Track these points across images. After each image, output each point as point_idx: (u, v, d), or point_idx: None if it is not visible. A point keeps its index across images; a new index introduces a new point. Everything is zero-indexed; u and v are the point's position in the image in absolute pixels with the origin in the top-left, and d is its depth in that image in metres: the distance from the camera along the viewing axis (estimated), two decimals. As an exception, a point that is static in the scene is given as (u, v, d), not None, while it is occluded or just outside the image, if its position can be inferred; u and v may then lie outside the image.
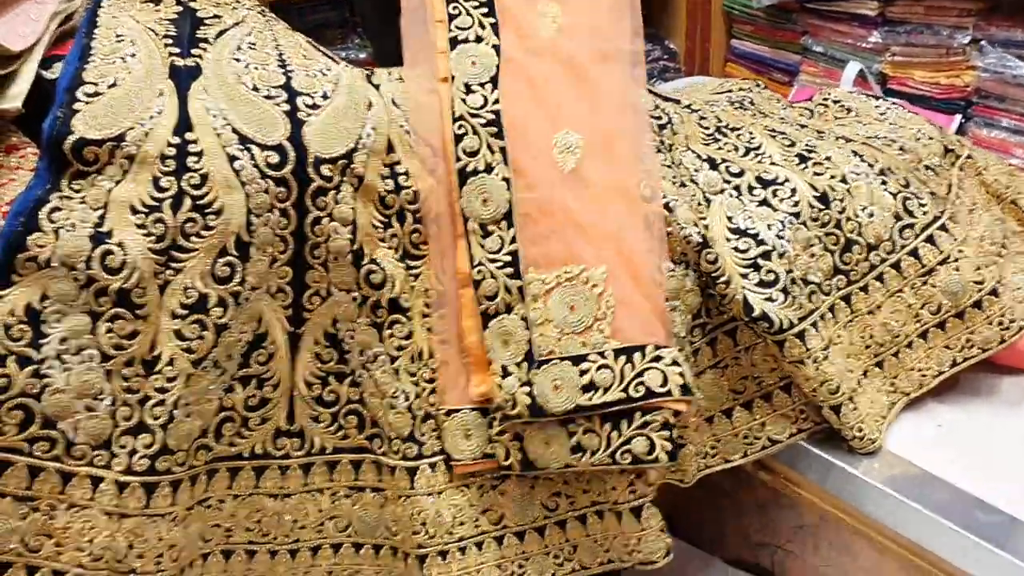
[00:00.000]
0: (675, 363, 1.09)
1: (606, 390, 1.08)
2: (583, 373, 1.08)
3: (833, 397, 1.19)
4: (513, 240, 1.11)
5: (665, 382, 1.08)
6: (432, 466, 1.12)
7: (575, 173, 1.13)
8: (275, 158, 1.04)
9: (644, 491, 1.13)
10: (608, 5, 1.23)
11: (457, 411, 1.12)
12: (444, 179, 1.14)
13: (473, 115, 1.13)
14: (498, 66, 1.15)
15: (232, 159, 1.03)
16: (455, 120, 1.12)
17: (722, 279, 1.16)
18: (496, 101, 1.13)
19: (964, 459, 1.20)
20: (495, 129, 1.12)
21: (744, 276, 1.18)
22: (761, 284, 1.18)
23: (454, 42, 1.17)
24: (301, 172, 1.06)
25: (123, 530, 1.00)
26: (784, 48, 2.23)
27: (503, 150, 1.12)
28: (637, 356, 1.09)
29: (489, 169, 1.12)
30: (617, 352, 1.09)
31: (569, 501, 1.15)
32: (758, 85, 1.67)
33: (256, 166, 1.04)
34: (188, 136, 1.02)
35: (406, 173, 1.13)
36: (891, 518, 1.16)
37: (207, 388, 1.04)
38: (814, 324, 1.20)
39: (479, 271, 1.11)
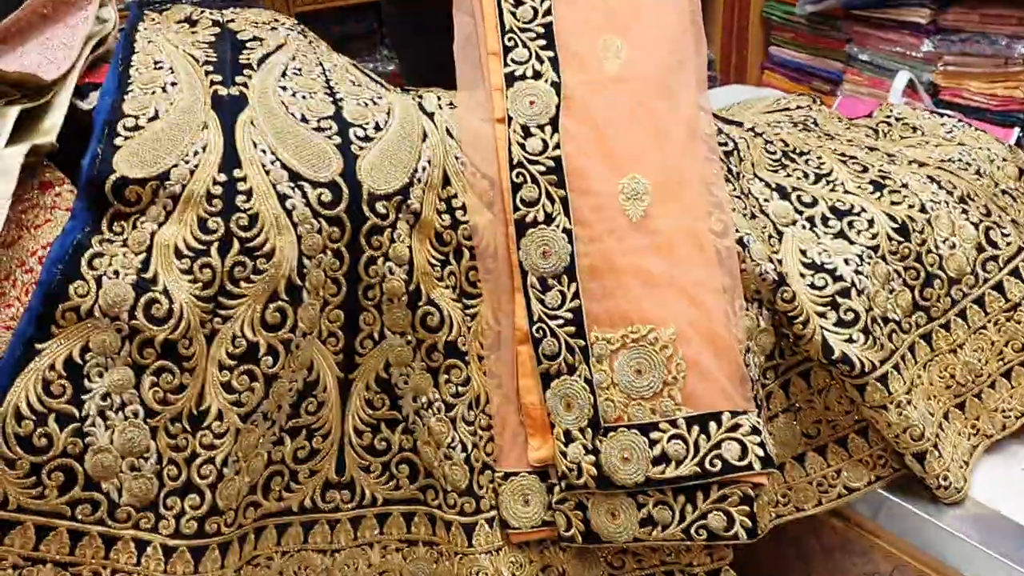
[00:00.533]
0: (755, 431, 1.01)
1: (679, 463, 1.00)
2: (653, 444, 1.01)
3: (917, 444, 1.12)
4: (575, 296, 1.04)
5: (744, 454, 1.00)
6: (490, 522, 1.05)
7: (643, 222, 1.05)
8: (328, 196, 0.97)
9: (723, 554, 1.06)
10: (671, 35, 1.15)
11: (515, 474, 1.05)
12: (501, 214, 1.07)
13: (532, 162, 1.05)
14: (558, 106, 1.08)
15: (283, 198, 0.96)
16: (512, 168, 1.05)
17: (799, 319, 1.09)
18: (557, 146, 1.06)
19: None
20: (555, 177, 1.05)
21: (822, 315, 1.11)
22: (840, 324, 1.10)
23: (510, 78, 1.09)
24: (356, 210, 0.99)
25: (169, 596, 0.94)
26: (826, 56, 2.16)
27: (564, 200, 1.05)
28: (712, 425, 1.01)
29: (549, 220, 1.05)
30: (690, 421, 1.01)
31: (636, 560, 1.08)
32: (815, 101, 1.60)
33: (308, 205, 0.97)
34: (236, 173, 0.95)
35: (463, 207, 1.06)
36: (973, 570, 1.09)
37: (256, 442, 0.98)
38: (896, 366, 1.13)
39: (538, 329, 1.04)
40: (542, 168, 1.06)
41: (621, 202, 1.05)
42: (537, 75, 1.09)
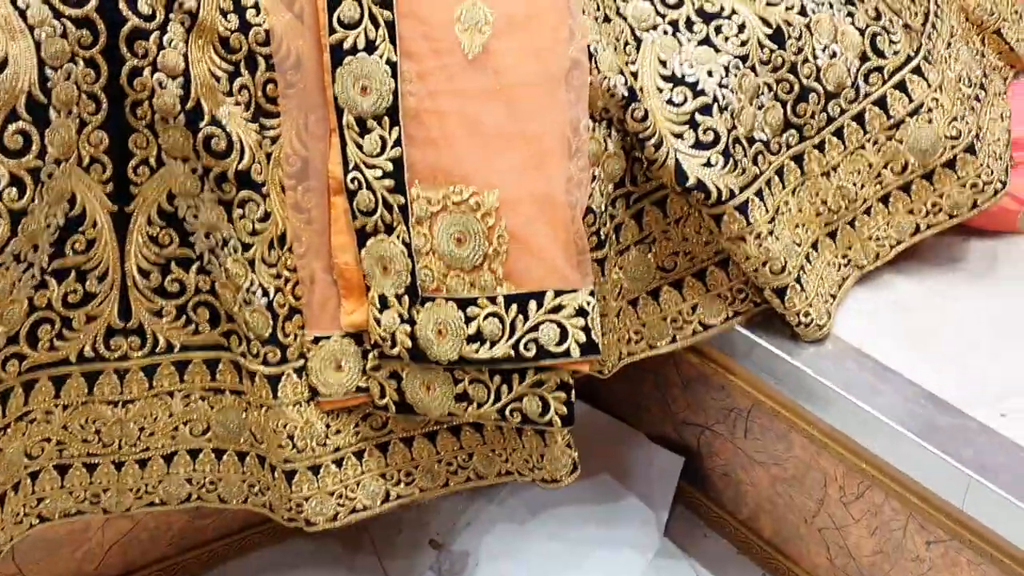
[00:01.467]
0: (580, 312, 0.90)
1: (494, 343, 0.90)
2: (469, 320, 0.90)
3: (777, 278, 1.02)
4: (397, 143, 0.89)
5: (563, 338, 0.89)
6: (298, 371, 0.94)
7: (481, 57, 0.89)
8: (73, -10, 0.80)
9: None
10: None
11: (326, 338, 0.94)
12: (308, 16, 0.90)
13: None
14: None
15: (13, -7, 0.78)
16: None
17: (651, 141, 0.96)
18: None
19: (920, 344, 1.06)
20: None
21: (678, 136, 0.98)
22: (698, 145, 0.98)
23: None
24: (111, 9, 0.82)
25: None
26: None
27: (390, 25, 0.88)
28: (532, 305, 0.90)
29: (371, 48, 0.88)
30: (509, 299, 0.90)
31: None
32: None
33: (47, 2, 0.79)
34: (-46, -41, 0.77)
35: (256, 6, 0.89)
36: (832, 415, 1.02)
37: (10, 288, 0.84)
38: (759, 192, 1.01)
39: (354, 179, 0.90)
40: None
41: (457, 32, 0.89)
42: None
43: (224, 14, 0.87)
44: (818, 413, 1.04)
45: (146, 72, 0.84)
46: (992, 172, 1.09)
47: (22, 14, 0.78)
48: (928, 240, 1.14)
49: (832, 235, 1.11)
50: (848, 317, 1.09)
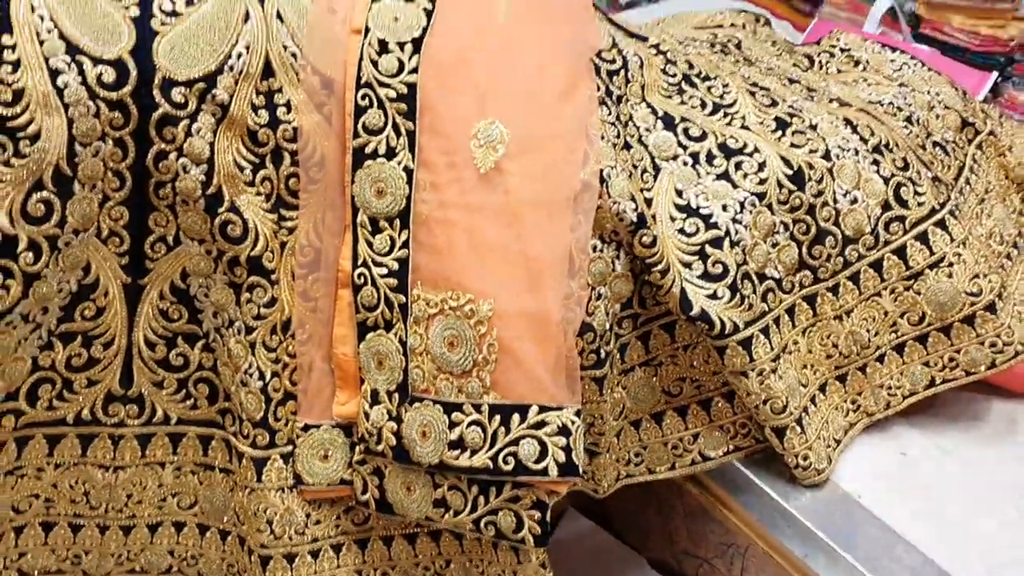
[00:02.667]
0: (562, 431, 0.89)
1: (474, 452, 0.89)
2: (454, 425, 0.90)
3: (777, 418, 1.01)
4: (405, 245, 0.92)
5: (543, 455, 0.88)
6: (285, 457, 0.95)
7: (492, 176, 0.91)
8: (111, 75, 0.85)
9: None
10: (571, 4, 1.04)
11: (316, 427, 0.95)
12: (336, 119, 0.94)
13: (382, 84, 0.92)
14: (426, 28, 0.94)
15: (55, 73, 0.83)
16: (359, 87, 0.92)
17: (658, 267, 0.96)
18: (414, 70, 0.92)
19: (925, 504, 1.02)
20: (405, 106, 0.92)
21: (687, 265, 0.98)
22: (705, 276, 0.98)
23: None
24: (144, 95, 0.86)
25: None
26: (809, -27, 1.96)
27: (411, 135, 0.92)
28: (515, 418, 0.89)
29: (391, 155, 0.92)
30: (493, 409, 0.90)
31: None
32: (757, 20, 1.43)
33: (85, 83, 0.84)
34: (5, 40, 0.82)
35: (287, 105, 0.93)
36: (822, 564, 0.99)
37: (15, 345, 0.88)
38: (764, 329, 1.01)
39: (360, 274, 0.92)
40: (392, 93, 0.92)
41: (472, 148, 0.92)
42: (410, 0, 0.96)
43: (255, 109, 0.92)
44: (810, 562, 1.01)
45: (172, 156, 0.88)
46: (1013, 333, 1.07)
47: (60, 92, 0.83)
48: (945, 394, 1.11)
49: (842, 379, 1.09)
50: (850, 465, 1.07)
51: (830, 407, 1.08)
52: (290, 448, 0.95)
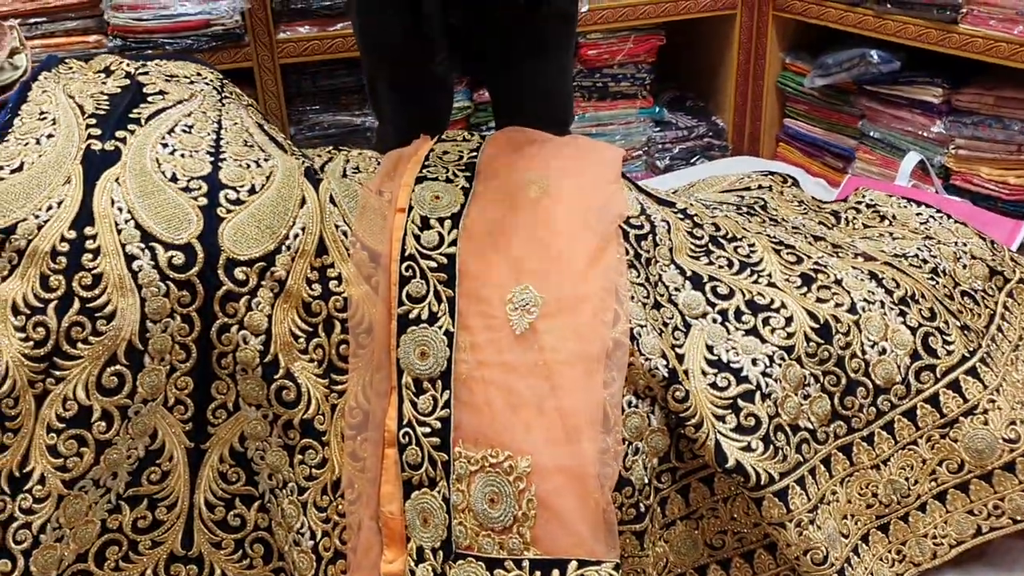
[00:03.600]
0: None
1: None
2: None
3: (818, 569, 1.01)
4: (447, 404, 0.97)
5: None
6: (335, 616, 0.98)
7: (527, 336, 0.98)
8: (180, 259, 0.94)
9: None
10: (593, 180, 1.14)
11: None
12: (383, 288, 1.02)
13: (424, 256, 1.01)
14: (464, 205, 1.04)
15: (131, 258, 0.93)
16: (403, 259, 1.01)
17: (692, 421, 1.00)
18: (453, 243, 1.01)
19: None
20: (445, 276, 1.00)
21: (720, 419, 1.01)
22: (739, 430, 1.01)
23: (421, 179, 1.07)
24: (209, 275, 0.95)
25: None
26: (840, 132, 2.05)
27: (451, 301, 1.00)
28: (555, 574, 0.92)
29: (433, 319, 0.99)
30: (534, 564, 0.93)
31: None
32: (785, 180, 1.50)
33: (157, 267, 0.93)
34: (87, 231, 0.93)
35: (339, 278, 1.01)
36: None
37: (86, 509, 0.94)
38: (800, 480, 1.02)
39: (405, 434, 0.98)
40: (433, 264, 1.01)
41: (508, 311, 0.99)
42: (449, 180, 1.07)
43: (310, 283, 1.00)
44: None
45: (233, 329, 0.96)
46: (1057, 479, 1.07)
47: (134, 275, 0.93)
48: (998, 543, 1.10)
49: (884, 528, 1.09)
50: (900, 618, 1.05)
51: (874, 557, 1.07)
52: (340, 606, 0.99)
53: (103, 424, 0.92)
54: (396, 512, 0.99)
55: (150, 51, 1.65)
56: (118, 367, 0.92)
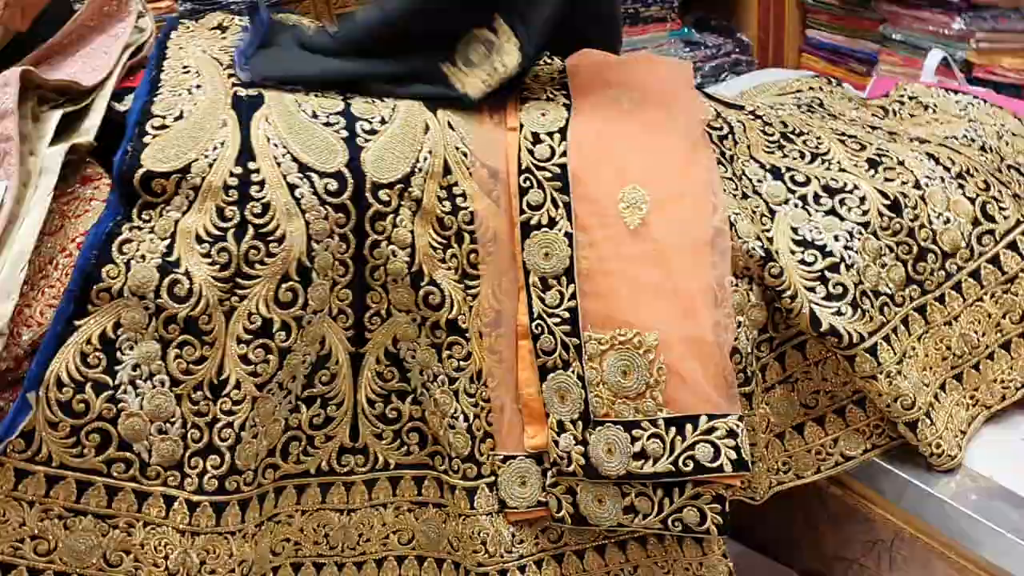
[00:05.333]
0: (731, 434, 1.06)
1: (656, 460, 1.06)
2: (635, 440, 1.07)
3: (908, 413, 1.15)
4: (573, 296, 1.10)
5: (716, 456, 1.05)
6: (490, 486, 1.12)
7: (640, 230, 1.10)
8: (334, 185, 1.06)
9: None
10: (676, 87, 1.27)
11: (513, 457, 1.12)
12: (503, 200, 1.14)
13: (539, 168, 1.12)
14: (567, 119, 1.15)
15: (292, 188, 1.05)
16: (520, 172, 1.12)
17: (787, 293, 1.13)
18: (563, 154, 1.13)
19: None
20: (560, 184, 1.12)
21: (811, 290, 1.15)
22: (829, 297, 1.15)
23: (524, 100, 1.19)
24: (360, 198, 1.07)
25: (196, 547, 1.04)
26: (862, 37, 2.16)
27: (567, 205, 1.11)
28: (688, 427, 1.06)
29: (552, 224, 1.11)
30: (668, 422, 1.07)
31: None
32: (830, 82, 1.63)
33: (316, 194, 1.06)
34: (250, 166, 1.05)
35: (464, 195, 1.14)
36: (969, 538, 1.12)
37: (273, 409, 1.07)
38: (886, 337, 1.16)
39: (538, 325, 1.10)
40: (548, 174, 1.13)
41: (620, 210, 1.12)
42: (550, 99, 1.20)
43: (440, 200, 1.12)
44: (957, 539, 1.14)
45: (383, 244, 1.09)
46: (1110, 317, 1.21)
47: (297, 202, 1.05)
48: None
49: (958, 377, 1.23)
50: (978, 451, 1.20)
51: (952, 403, 1.22)
52: (493, 478, 1.13)
53: (283, 334, 1.05)
54: (534, 394, 1.12)
55: (219, 11, 1.74)
56: (291, 283, 1.05)
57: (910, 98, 1.51)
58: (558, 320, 1.11)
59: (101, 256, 1.01)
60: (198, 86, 1.11)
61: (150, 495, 1.03)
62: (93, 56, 1.21)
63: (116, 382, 1.01)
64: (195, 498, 1.03)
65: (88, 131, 1.10)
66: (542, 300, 1.11)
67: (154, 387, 1.02)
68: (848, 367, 1.16)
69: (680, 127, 1.20)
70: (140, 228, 1.03)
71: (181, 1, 1.75)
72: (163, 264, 1.01)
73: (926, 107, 1.47)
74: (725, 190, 1.17)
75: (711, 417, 1.06)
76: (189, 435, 1.03)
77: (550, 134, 1.15)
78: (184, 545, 1.04)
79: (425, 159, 1.11)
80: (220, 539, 1.05)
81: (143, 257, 1.01)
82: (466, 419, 1.12)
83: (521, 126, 1.16)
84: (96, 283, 1.00)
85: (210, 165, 1.04)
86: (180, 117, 1.07)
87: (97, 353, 1.00)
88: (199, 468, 1.03)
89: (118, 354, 1.01)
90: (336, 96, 1.14)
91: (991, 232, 1.23)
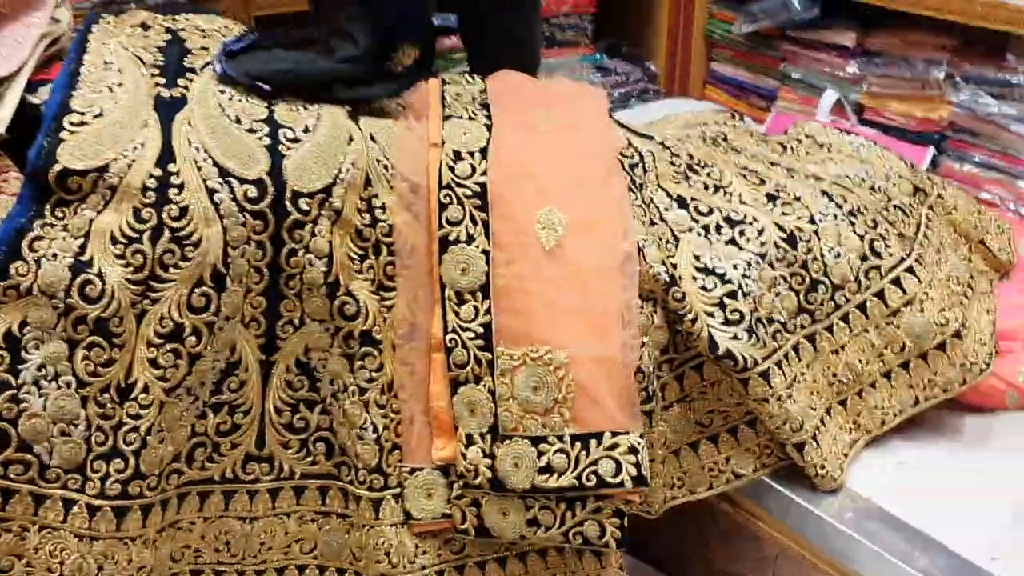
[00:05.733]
0: (632, 450, 1.10)
1: (560, 474, 1.10)
2: (541, 455, 1.10)
3: (796, 435, 1.22)
4: (487, 312, 1.13)
5: (618, 471, 1.09)
6: (396, 497, 1.14)
7: (556, 251, 1.14)
8: (254, 192, 1.07)
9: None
10: (592, 114, 1.31)
11: (420, 469, 1.14)
12: (423, 215, 1.16)
13: (459, 185, 1.15)
14: (488, 139, 1.18)
15: (212, 192, 1.05)
16: (441, 188, 1.14)
17: (689, 316, 1.19)
18: (484, 172, 1.16)
19: (923, 497, 1.23)
20: (479, 201, 1.14)
21: (710, 314, 1.20)
22: (726, 322, 1.20)
23: (447, 117, 1.21)
24: (279, 206, 1.08)
25: (93, 552, 1.03)
26: (763, 73, 2.27)
27: (486, 223, 1.14)
28: (592, 443, 1.10)
29: (470, 240, 1.14)
30: (574, 438, 1.10)
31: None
32: (733, 116, 1.70)
33: (235, 200, 1.06)
34: (170, 168, 1.04)
35: (383, 207, 1.15)
36: (848, 557, 1.19)
37: (180, 414, 1.07)
38: (778, 363, 1.23)
39: (451, 339, 1.12)
40: (468, 192, 1.15)
41: (537, 230, 1.15)
42: (471, 119, 1.22)
43: (360, 212, 1.14)
44: (838, 557, 1.21)
45: (300, 253, 1.10)
46: (977, 355, 1.30)
47: (216, 207, 1.05)
48: (930, 412, 1.34)
49: (843, 403, 1.31)
50: (860, 472, 1.27)
51: (836, 427, 1.29)
52: (399, 490, 1.14)
53: (193, 339, 1.05)
54: (444, 406, 1.14)
55: (133, 4, 1.71)
56: (205, 288, 1.04)
57: (807, 136, 1.59)
58: (472, 335, 1.13)
59: (10, 253, 0.99)
60: (119, 84, 1.10)
61: (48, 498, 1.01)
62: (5, 45, 1.17)
63: (19, 381, 0.99)
64: (96, 502, 1.02)
65: (0, 122, 1.07)
66: (457, 314, 1.14)
67: (59, 388, 1.00)
68: (742, 389, 1.22)
69: (595, 153, 1.24)
70: (53, 225, 1.01)
71: (94, -8, 1.71)
72: (75, 263, 1.00)
73: (822, 146, 1.56)
74: (635, 216, 1.21)
75: (614, 434, 1.10)
76: (93, 438, 1.01)
77: (471, 153, 1.18)
78: (81, 550, 1.02)
79: (347, 170, 1.13)
80: (120, 544, 1.04)
81: (54, 256, 0.99)
82: (375, 430, 1.13)
83: (443, 143, 1.19)
84: (3, 280, 0.98)
85: (129, 165, 1.03)
86: (100, 115, 1.06)
87: (1, 351, 0.98)
88: (102, 472, 1.02)
89: (23, 353, 0.99)
90: (261, 102, 1.14)
91: (877, 268, 1.31)
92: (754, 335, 1.21)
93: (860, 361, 1.30)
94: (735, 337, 1.20)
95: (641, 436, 1.11)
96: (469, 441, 1.12)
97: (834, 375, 1.30)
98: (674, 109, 2.04)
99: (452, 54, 2.03)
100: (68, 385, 1.00)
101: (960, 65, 1.90)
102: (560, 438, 1.11)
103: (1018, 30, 1.72)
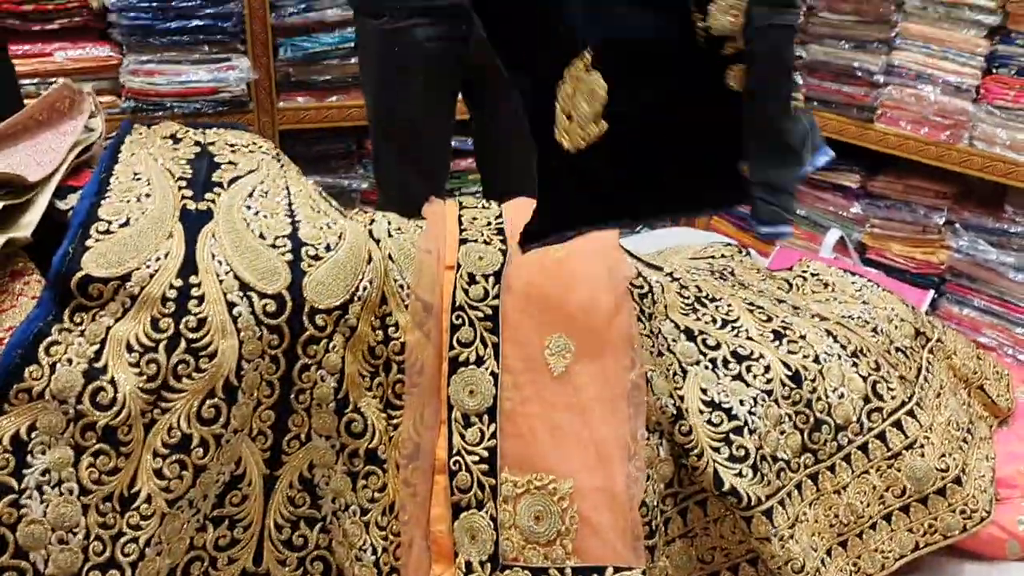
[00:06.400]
0: None
1: None
2: None
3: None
4: (493, 436, 1.13)
5: None
6: (395, 621, 1.12)
7: (563, 377, 1.16)
8: (272, 306, 1.08)
9: None
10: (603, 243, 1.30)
11: None
12: (434, 335, 1.18)
13: (472, 307, 1.17)
14: (503, 264, 1.21)
15: (231, 305, 1.06)
16: (454, 310, 1.17)
17: (695, 451, 1.19)
18: (496, 296, 1.18)
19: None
20: (491, 324, 1.17)
21: (716, 450, 1.21)
22: (732, 459, 1.21)
23: (464, 241, 1.24)
24: (296, 321, 1.10)
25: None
26: (769, 209, 2.32)
27: (496, 346, 1.16)
28: None
29: (480, 362, 1.15)
30: (576, 571, 1.10)
31: None
32: (740, 251, 1.74)
33: (253, 313, 1.07)
34: (192, 280, 1.06)
35: (396, 325, 1.17)
36: None
37: (180, 527, 1.06)
38: (781, 501, 1.23)
39: (456, 462, 1.13)
40: (480, 314, 1.17)
41: (546, 356, 1.17)
42: (487, 243, 1.25)
43: (374, 329, 1.15)
44: None
45: (312, 369, 1.11)
46: (978, 502, 1.30)
47: (234, 320, 1.06)
48: (929, 558, 1.33)
49: (843, 544, 1.30)
50: (860, 619, 1.26)
51: (836, 568, 1.28)
52: (397, 614, 1.12)
53: (200, 451, 1.04)
54: (445, 531, 1.14)
55: (161, 113, 1.77)
56: (216, 400, 1.05)
57: (812, 275, 1.62)
58: (476, 458, 1.13)
59: (26, 355, 0.99)
60: (147, 195, 1.13)
61: (40, 607, 0.99)
62: (39, 151, 1.21)
63: (22, 486, 0.98)
64: (88, 614, 1.00)
65: (27, 226, 1.10)
66: (462, 436, 1.14)
67: (61, 495, 0.99)
68: (745, 527, 1.21)
69: (606, 281, 1.26)
70: (70, 331, 1.02)
71: (124, 98, 1.77)
72: (89, 369, 1.00)
73: (826, 285, 1.59)
74: (643, 346, 1.23)
75: (617, 570, 1.09)
76: (91, 547, 1.00)
77: (485, 276, 1.20)
78: (69, 663, 1.00)
79: (364, 288, 1.15)
80: (108, 658, 1.01)
81: (69, 361, 1.00)
82: (374, 552, 1.12)
83: (459, 265, 1.21)
84: (17, 383, 0.98)
85: (151, 275, 1.05)
86: (126, 224, 1.08)
87: (6, 454, 0.98)
88: (97, 583, 1.00)
89: (29, 457, 0.99)
90: (286, 219, 1.17)
91: (879, 410, 1.32)
92: (759, 473, 1.21)
93: (861, 502, 1.30)
94: (740, 474, 1.20)
95: (644, 572, 1.10)
96: (468, 569, 1.11)
97: (836, 515, 1.29)
98: (680, 238, 2.08)
99: (467, 175, 2.09)
100: (71, 492, 1.00)
101: (960, 212, 1.96)
102: (561, 571, 1.09)
103: (1016, 183, 1.78)
